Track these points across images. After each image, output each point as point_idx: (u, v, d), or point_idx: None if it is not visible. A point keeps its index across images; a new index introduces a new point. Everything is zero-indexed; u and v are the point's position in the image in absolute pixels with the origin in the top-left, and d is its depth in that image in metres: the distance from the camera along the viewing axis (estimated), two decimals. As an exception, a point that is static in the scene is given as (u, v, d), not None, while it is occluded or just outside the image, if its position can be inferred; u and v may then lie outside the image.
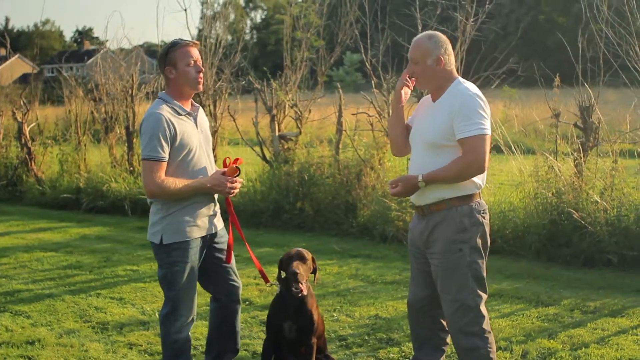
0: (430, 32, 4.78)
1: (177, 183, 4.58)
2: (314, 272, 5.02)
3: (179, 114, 4.68)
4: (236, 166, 4.81)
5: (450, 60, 4.63)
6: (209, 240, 4.88)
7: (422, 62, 4.59)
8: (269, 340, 5.06)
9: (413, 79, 4.79)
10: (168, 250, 4.69)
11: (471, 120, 4.40)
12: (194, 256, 4.75)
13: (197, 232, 4.74)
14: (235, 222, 5.01)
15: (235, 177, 4.79)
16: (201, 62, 4.78)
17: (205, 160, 4.81)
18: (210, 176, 4.74)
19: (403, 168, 10.01)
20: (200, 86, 4.80)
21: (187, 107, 4.77)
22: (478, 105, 4.45)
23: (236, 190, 4.80)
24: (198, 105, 4.92)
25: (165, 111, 4.62)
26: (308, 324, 4.93)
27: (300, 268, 4.80)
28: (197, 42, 4.83)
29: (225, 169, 4.79)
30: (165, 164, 4.59)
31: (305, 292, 4.83)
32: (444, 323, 4.93)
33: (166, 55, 4.70)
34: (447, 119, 4.46)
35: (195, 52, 4.72)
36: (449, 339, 5.00)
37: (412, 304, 5.00)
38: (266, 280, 5.06)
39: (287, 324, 4.93)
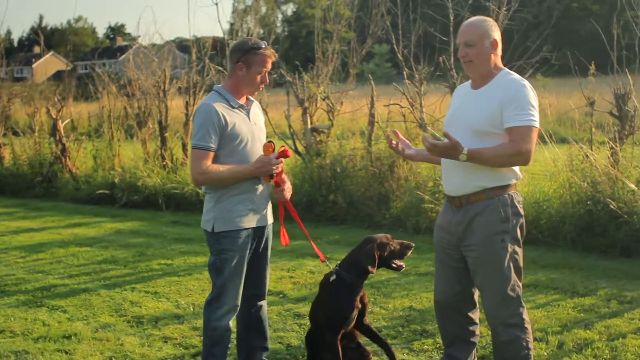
0: (481, 16, 4.66)
1: (221, 169, 4.66)
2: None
3: (232, 106, 4.75)
4: (272, 146, 4.84)
5: (501, 47, 4.53)
6: (259, 232, 4.92)
7: (479, 43, 4.43)
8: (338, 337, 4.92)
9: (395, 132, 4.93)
10: (218, 238, 4.76)
11: (523, 111, 4.30)
12: (243, 245, 4.79)
13: (247, 222, 4.78)
14: (290, 210, 5.11)
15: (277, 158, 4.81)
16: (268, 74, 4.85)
17: (260, 151, 4.85)
18: (254, 160, 4.77)
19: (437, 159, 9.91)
20: (257, 93, 4.94)
21: (242, 101, 4.84)
22: (531, 97, 4.36)
23: (281, 171, 4.84)
24: (253, 99, 4.97)
25: (217, 103, 4.70)
26: (364, 307, 5.04)
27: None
28: (275, 54, 4.85)
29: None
30: (212, 154, 4.66)
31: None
32: (473, 317, 4.87)
33: (245, 53, 4.73)
34: (498, 107, 4.35)
35: (269, 64, 4.78)
36: (478, 331, 4.94)
37: (441, 302, 4.90)
38: (322, 259, 5.47)
39: (354, 312, 4.94)
